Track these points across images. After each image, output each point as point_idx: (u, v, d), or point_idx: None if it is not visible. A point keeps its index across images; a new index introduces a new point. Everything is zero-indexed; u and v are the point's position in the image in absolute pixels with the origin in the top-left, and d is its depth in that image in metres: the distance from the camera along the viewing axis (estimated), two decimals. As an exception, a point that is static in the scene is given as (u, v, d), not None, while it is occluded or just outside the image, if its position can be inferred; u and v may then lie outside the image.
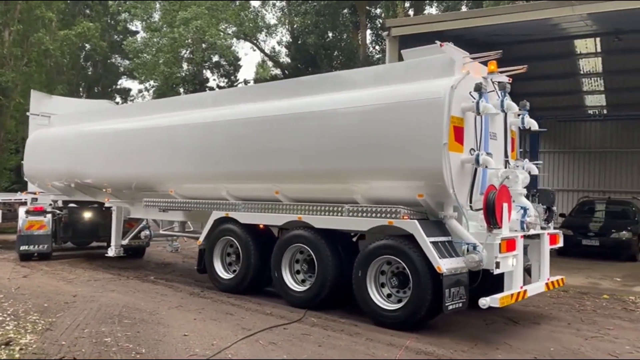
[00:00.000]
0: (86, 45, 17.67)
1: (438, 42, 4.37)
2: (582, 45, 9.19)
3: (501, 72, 4.44)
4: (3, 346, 3.83)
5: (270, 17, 16.83)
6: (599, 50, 9.40)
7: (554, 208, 5.30)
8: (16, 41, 14.09)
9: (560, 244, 4.95)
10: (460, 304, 3.95)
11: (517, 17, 7.29)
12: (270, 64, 18.94)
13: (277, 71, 18.95)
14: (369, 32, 15.99)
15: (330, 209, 4.75)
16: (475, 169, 4.21)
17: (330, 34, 15.91)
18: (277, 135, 5.19)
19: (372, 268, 4.32)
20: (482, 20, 7.48)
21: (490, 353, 3.64)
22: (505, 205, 3.99)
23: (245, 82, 21.64)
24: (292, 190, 5.19)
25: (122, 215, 7.52)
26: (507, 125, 4.72)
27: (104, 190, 7.56)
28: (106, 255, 7.53)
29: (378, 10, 15.77)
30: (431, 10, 15.39)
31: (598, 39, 8.63)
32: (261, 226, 5.48)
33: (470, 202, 4.27)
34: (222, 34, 14.77)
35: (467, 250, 3.98)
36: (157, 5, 14.98)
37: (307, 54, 15.99)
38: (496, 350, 3.69)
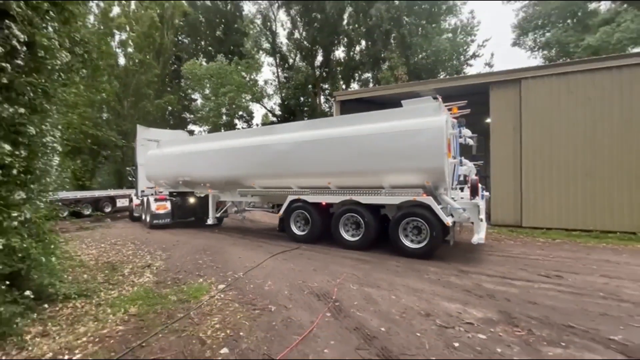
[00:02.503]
0: (169, 107, 27.43)
1: (438, 96, 6.22)
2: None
3: (446, 105, 6.38)
4: (146, 267, 5.80)
5: (270, 90, 28.27)
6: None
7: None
8: (130, 107, 23.13)
9: None
10: (452, 241, 6.39)
11: (399, 90, 12.05)
12: (269, 115, 29.27)
13: (274, 119, 28.65)
14: (322, 97, 26.40)
15: (373, 192, 6.66)
16: (454, 165, 6.35)
17: (302, 99, 26.17)
18: (332, 150, 6.96)
19: (402, 225, 6.30)
20: (380, 92, 12.49)
21: (395, 256, 6.56)
22: (480, 185, 6.45)
23: (257, 125, 31.31)
24: (339, 182, 7.11)
25: (215, 199, 10.23)
26: (458, 141, 6.96)
27: (202, 185, 9.91)
28: (206, 224, 10.36)
29: (327, 85, 26.63)
30: (354, 84, 26.19)
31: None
32: (323, 203, 7.41)
33: (452, 185, 6.39)
34: (243, 99, 25.17)
35: (453, 212, 6.13)
36: (208, 84, 24.87)
37: (290, 109, 26.21)
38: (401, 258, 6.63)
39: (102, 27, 21.76)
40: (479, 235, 5.98)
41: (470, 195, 6.31)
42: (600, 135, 9.14)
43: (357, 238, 6.94)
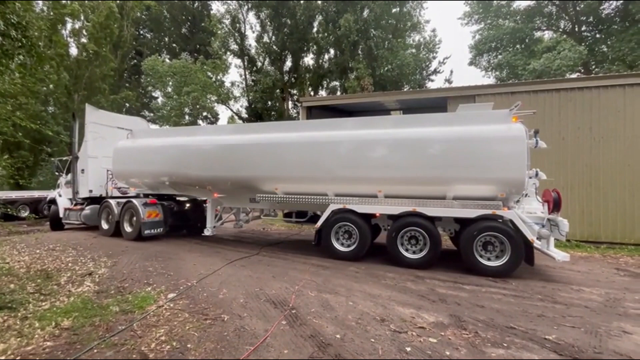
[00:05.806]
0: (127, 104, 26.14)
1: (519, 103, 5.84)
2: (395, 114, 13.04)
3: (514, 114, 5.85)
4: (87, 275, 5.31)
5: (237, 92, 27.61)
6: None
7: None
8: (81, 101, 20.87)
9: None
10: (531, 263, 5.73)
11: (364, 99, 12.73)
12: (235, 118, 28.81)
13: (240, 122, 28.05)
14: (290, 103, 26.50)
15: (442, 204, 5.89)
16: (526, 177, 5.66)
17: (269, 103, 26.28)
18: (390, 153, 6.15)
19: (477, 241, 5.75)
20: (346, 100, 13.11)
21: (356, 265, 6.49)
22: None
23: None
24: (392, 190, 6.29)
25: (215, 205, 8.62)
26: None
27: (197, 187, 8.31)
28: (203, 234, 8.80)
29: (295, 91, 26.65)
30: (322, 92, 26.68)
31: (401, 112, 13.06)
32: (377, 215, 6.43)
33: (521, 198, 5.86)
34: (208, 100, 24.69)
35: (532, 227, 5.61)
36: (170, 82, 24.11)
37: (257, 113, 25.95)
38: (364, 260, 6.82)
39: (52, 13, 20.02)
40: (560, 253, 5.68)
41: (552, 210, 5.86)
42: (540, 150, 10.00)
43: (420, 255, 6.13)
